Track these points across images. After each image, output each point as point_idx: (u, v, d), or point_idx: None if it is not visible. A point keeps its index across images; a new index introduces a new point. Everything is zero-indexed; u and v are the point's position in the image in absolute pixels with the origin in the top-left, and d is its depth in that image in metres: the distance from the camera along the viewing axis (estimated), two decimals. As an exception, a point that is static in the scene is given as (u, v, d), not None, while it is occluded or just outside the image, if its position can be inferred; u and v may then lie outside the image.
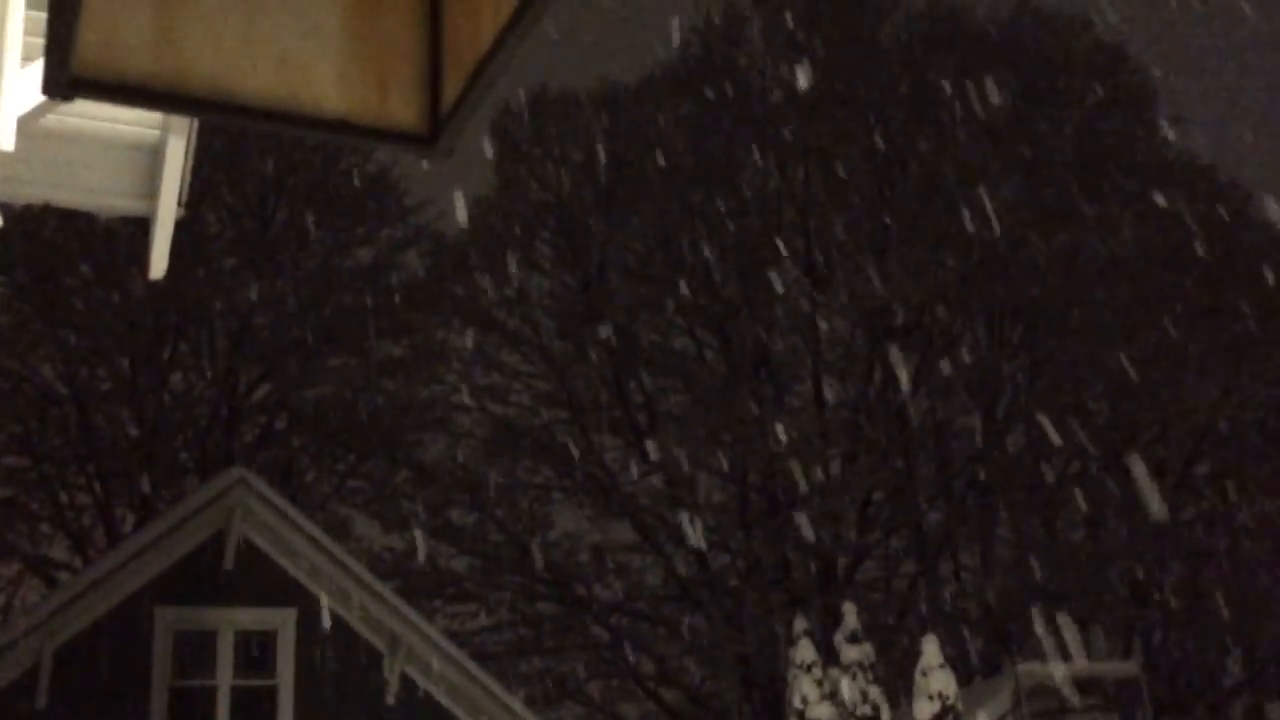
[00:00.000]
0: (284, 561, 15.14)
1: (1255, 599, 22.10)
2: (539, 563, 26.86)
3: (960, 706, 11.68)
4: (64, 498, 24.66)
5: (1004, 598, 23.71)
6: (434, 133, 2.46)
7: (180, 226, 6.16)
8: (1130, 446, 22.07)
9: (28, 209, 18.25)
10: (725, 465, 27.34)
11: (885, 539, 27.76)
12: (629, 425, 28.44)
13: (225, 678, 14.66)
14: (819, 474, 26.91)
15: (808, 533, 24.03)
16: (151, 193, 6.04)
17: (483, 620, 27.82)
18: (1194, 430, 22.62)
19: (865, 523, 27.33)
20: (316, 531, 15.46)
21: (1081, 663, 17.63)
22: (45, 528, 24.53)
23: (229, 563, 14.85)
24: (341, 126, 2.40)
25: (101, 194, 6.29)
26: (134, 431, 24.37)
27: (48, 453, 23.85)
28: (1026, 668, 15.69)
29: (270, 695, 14.80)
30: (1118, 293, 23.55)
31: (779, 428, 25.68)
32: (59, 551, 24.80)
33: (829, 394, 28.37)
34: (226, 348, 25.40)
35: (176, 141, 5.52)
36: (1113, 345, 22.12)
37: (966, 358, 26.09)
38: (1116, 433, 23.12)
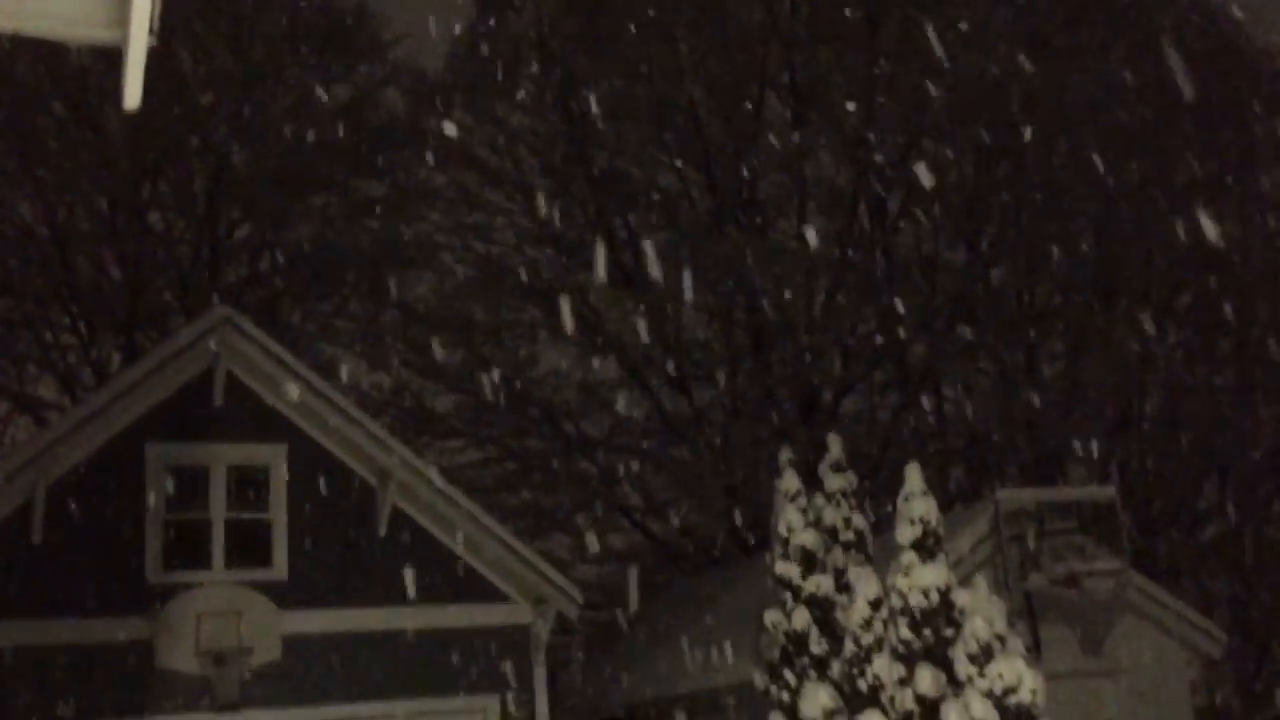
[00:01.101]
0: (272, 398, 15.26)
1: (1231, 426, 22.50)
2: (526, 400, 27.13)
3: (941, 531, 11.94)
4: (49, 337, 24.68)
5: (985, 427, 24.07)
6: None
7: (154, 63, 6.03)
8: (1114, 278, 22.17)
9: (-3, 47, 17.83)
10: (711, 301, 27.42)
11: (869, 372, 28.03)
12: (614, 263, 28.41)
13: (219, 512, 14.90)
14: (804, 309, 27.04)
15: (792, 366, 24.27)
16: (121, 20, 5.89)
17: (471, 456, 28.19)
18: (1179, 260, 22.69)
19: (849, 356, 27.55)
20: (303, 368, 15.54)
21: (1059, 488, 18.03)
22: (32, 368, 24.61)
23: (218, 399, 14.97)
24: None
25: (70, 22, 6.12)
26: (116, 272, 24.28)
27: (30, 292, 23.77)
28: (1005, 494, 16.02)
29: (264, 529, 15.07)
30: (1106, 125, 23.35)
31: (764, 264, 25.70)
32: (47, 391, 24.96)
33: (814, 230, 28.31)
34: (206, 187, 25.14)
35: (145, -35, 5.35)
36: (1100, 177, 22.03)
37: (952, 191, 25.98)
38: (1101, 264, 23.17)
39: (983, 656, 10.99)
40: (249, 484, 15.25)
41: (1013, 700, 10.85)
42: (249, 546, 14.94)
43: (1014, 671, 10.94)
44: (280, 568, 14.93)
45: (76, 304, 24.56)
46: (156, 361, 14.89)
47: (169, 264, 25.07)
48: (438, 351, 26.89)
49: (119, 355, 24.30)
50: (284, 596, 14.68)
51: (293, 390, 15.08)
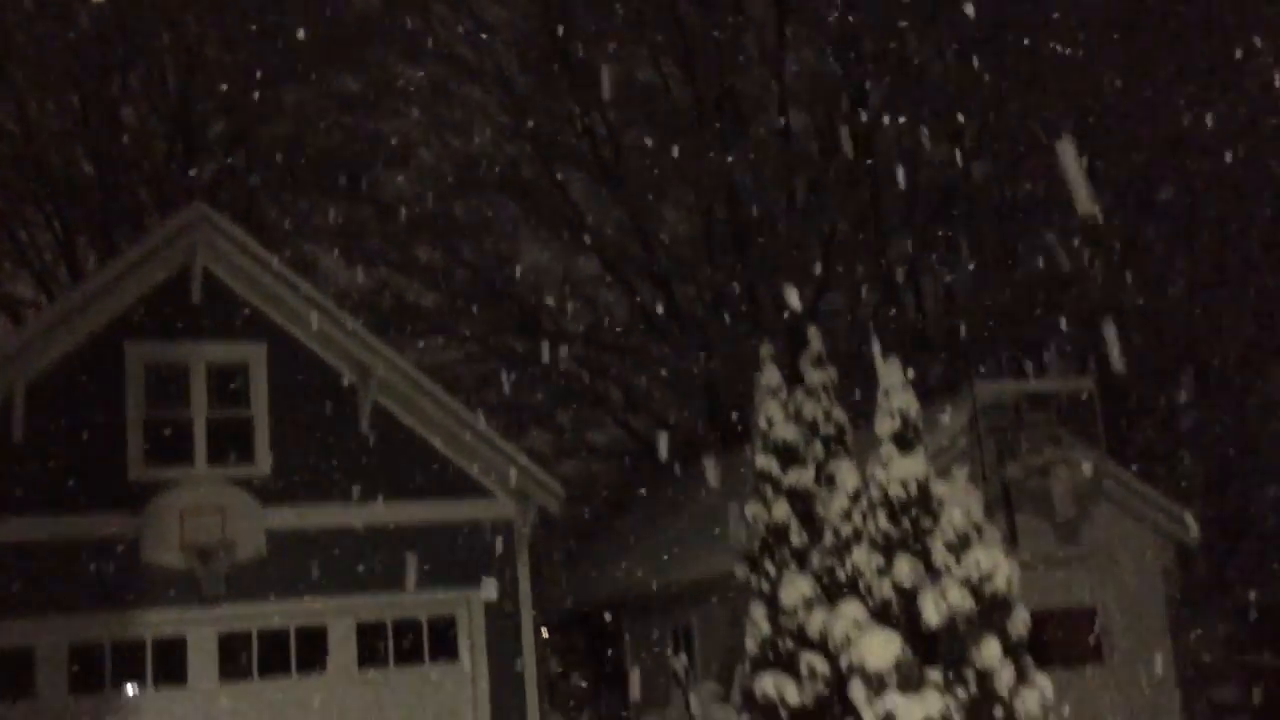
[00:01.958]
0: (251, 296, 15.18)
1: (1208, 319, 22.63)
2: (506, 297, 27.08)
3: (920, 424, 12.03)
4: (24, 236, 24.44)
5: (964, 321, 24.15)
6: None
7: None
8: (1096, 170, 22.08)
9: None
10: (691, 197, 27.28)
11: (850, 266, 28.01)
12: (594, 159, 28.18)
13: (200, 410, 14.90)
14: (784, 204, 26.94)
15: (773, 262, 24.21)
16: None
17: (452, 353, 28.20)
18: (1160, 147, 22.59)
19: (830, 251, 27.51)
20: (281, 266, 15.43)
21: (1036, 380, 18.15)
22: (8, 265, 24.40)
23: (196, 297, 14.88)
24: None
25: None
26: (89, 169, 23.96)
27: (3, 189, 23.46)
28: (983, 386, 16.13)
29: (246, 426, 15.09)
30: (1090, 15, 23.10)
31: (745, 159, 25.52)
32: (24, 289, 24.78)
33: (795, 124, 28.09)
34: (178, 81, 24.72)
35: None
36: (1083, 67, 21.83)
37: (935, 85, 25.75)
38: (1085, 154, 23.06)
39: (960, 546, 11.15)
40: (230, 382, 15.22)
41: (988, 587, 11.03)
42: (231, 444, 14.97)
43: (990, 560, 11.10)
44: (263, 464, 14.98)
45: (51, 202, 24.28)
46: (133, 259, 14.75)
47: (143, 160, 24.74)
48: (418, 249, 26.77)
49: (95, 254, 24.10)
50: (267, 493, 14.75)
51: (271, 289, 15.00)
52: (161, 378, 14.89)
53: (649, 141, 26.95)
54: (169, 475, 14.46)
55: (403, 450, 15.66)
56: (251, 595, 14.53)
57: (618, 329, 28.93)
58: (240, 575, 14.44)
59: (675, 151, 25.49)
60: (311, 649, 15.02)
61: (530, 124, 27.31)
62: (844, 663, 11.27)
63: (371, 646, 15.26)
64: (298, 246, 25.71)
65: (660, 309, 27.90)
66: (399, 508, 15.39)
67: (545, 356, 25.41)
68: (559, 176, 28.29)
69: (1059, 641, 15.51)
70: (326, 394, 15.43)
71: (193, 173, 24.75)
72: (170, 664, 14.35)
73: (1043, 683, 11.21)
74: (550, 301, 28.24)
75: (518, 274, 27.97)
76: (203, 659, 14.45)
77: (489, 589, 15.68)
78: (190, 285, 14.86)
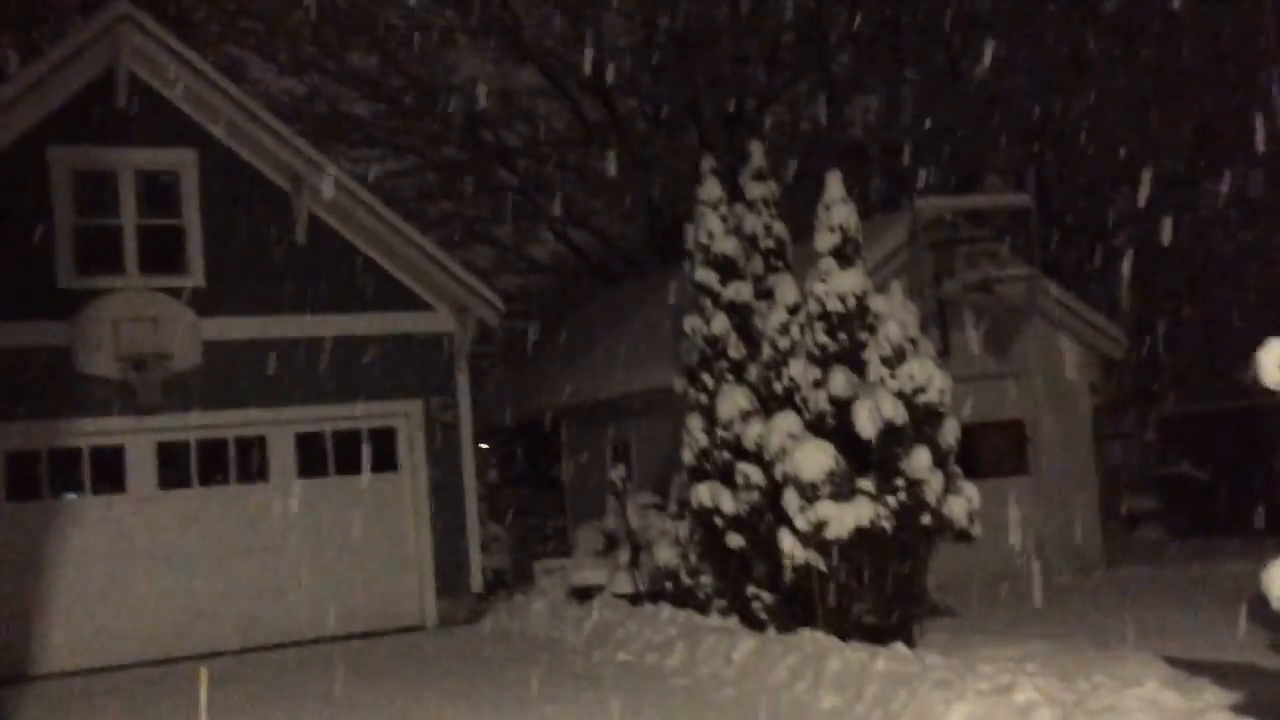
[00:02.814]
0: (178, 100, 14.76)
1: (1148, 134, 22.69)
2: (443, 107, 26.50)
3: (859, 238, 12.05)
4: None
5: (905, 136, 24.04)
6: None
7: None
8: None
9: None
10: (633, 6, 26.61)
11: (793, 81, 27.66)
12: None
13: (130, 218, 14.64)
14: (728, 14, 26.36)
15: (716, 73, 23.81)
16: None
17: (390, 166, 27.73)
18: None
19: (774, 65, 27.11)
20: (210, 70, 14.98)
21: (975, 197, 18.20)
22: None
23: (121, 101, 14.45)
24: None
25: None
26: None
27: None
28: (923, 202, 16.14)
29: (178, 236, 14.86)
30: None
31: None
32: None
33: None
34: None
35: None
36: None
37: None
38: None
39: (895, 359, 11.29)
40: (160, 190, 14.92)
41: (921, 399, 11.22)
42: (164, 253, 14.76)
43: (924, 372, 11.27)
44: (196, 274, 14.81)
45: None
46: (54, 61, 14.24)
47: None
48: (352, 56, 26.01)
49: (17, 56, 23.19)
50: (202, 303, 14.62)
51: (200, 93, 14.58)
52: (89, 185, 14.57)
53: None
54: (101, 284, 14.27)
55: (340, 262, 15.53)
56: (189, 406, 14.54)
57: (558, 142, 28.51)
58: (177, 386, 14.42)
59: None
60: (251, 459, 15.13)
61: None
62: (779, 473, 11.49)
63: (312, 457, 15.39)
64: (226, 50, 24.89)
65: (602, 122, 27.47)
66: (337, 320, 15.34)
67: (483, 169, 25.05)
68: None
69: (987, 452, 15.94)
70: (260, 204, 15.18)
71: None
72: (109, 472, 14.42)
73: (970, 491, 11.52)
74: (490, 112, 27.69)
75: (456, 85, 27.33)
76: (141, 468, 14.52)
77: (430, 400, 15.78)
78: (115, 89, 14.41)
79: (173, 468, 14.69)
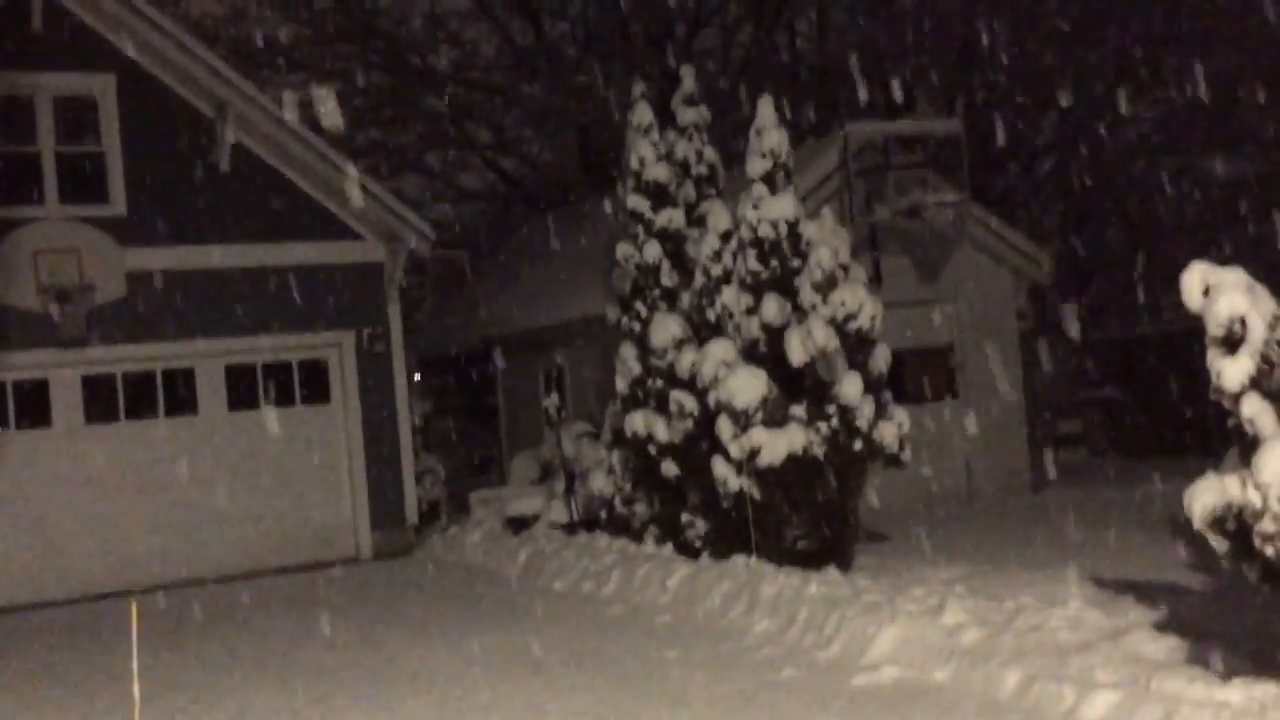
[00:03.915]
0: (95, 22, 14.34)
1: (1074, 60, 22.81)
2: (369, 31, 26.00)
3: (791, 165, 12.02)
4: None
5: (837, 62, 23.97)
6: None
7: None
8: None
9: None
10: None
11: (724, 4, 27.42)
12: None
13: (48, 145, 14.27)
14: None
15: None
16: None
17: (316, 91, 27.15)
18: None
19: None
20: (127, -9, 14.55)
21: (906, 122, 18.21)
22: None
23: (36, 23, 14.02)
24: None
25: None
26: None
27: None
28: (854, 127, 16.13)
29: (99, 164, 14.52)
30: None
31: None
32: None
33: None
34: None
35: None
36: None
37: None
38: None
39: (826, 286, 11.32)
40: (79, 116, 14.54)
41: (852, 325, 11.28)
42: (84, 182, 14.42)
43: (855, 299, 11.31)
44: (118, 203, 14.49)
45: None
46: (-38, -17, 13.76)
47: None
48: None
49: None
50: (125, 233, 14.32)
51: (118, 16, 14.17)
52: (5, 111, 14.15)
53: None
54: (19, 214, 13.93)
55: (266, 191, 15.26)
56: (114, 338, 14.29)
57: (487, 68, 28.11)
58: (102, 318, 14.14)
59: None
60: (180, 393, 14.92)
61: None
62: (712, 400, 11.53)
63: (242, 390, 15.22)
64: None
65: (531, 47, 27.10)
66: (265, 250, 15.10)
67: (413, 96, 24.63)
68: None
69: (918, 378, 16.11)
70: (183, 131, 14.85)
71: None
72: (33, 407, 14.17)
73: (900, 417, 11.64)
74: (416, 35, 27.20)
75: (381, 8, 26.80)
76: (66, 402, 14.28)
77: (361, 331, 15.64)
78: (30, 12, 13.96)
79: (99, 402, 14.46)
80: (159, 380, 14.79)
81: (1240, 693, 6.32)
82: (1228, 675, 6.59)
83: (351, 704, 8.28)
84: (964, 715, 6.99)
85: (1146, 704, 6.46)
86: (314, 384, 15.62)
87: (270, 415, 15.09)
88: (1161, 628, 7.74)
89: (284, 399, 15.40)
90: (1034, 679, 7.17)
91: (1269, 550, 6.09)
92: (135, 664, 5.23)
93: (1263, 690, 6.29)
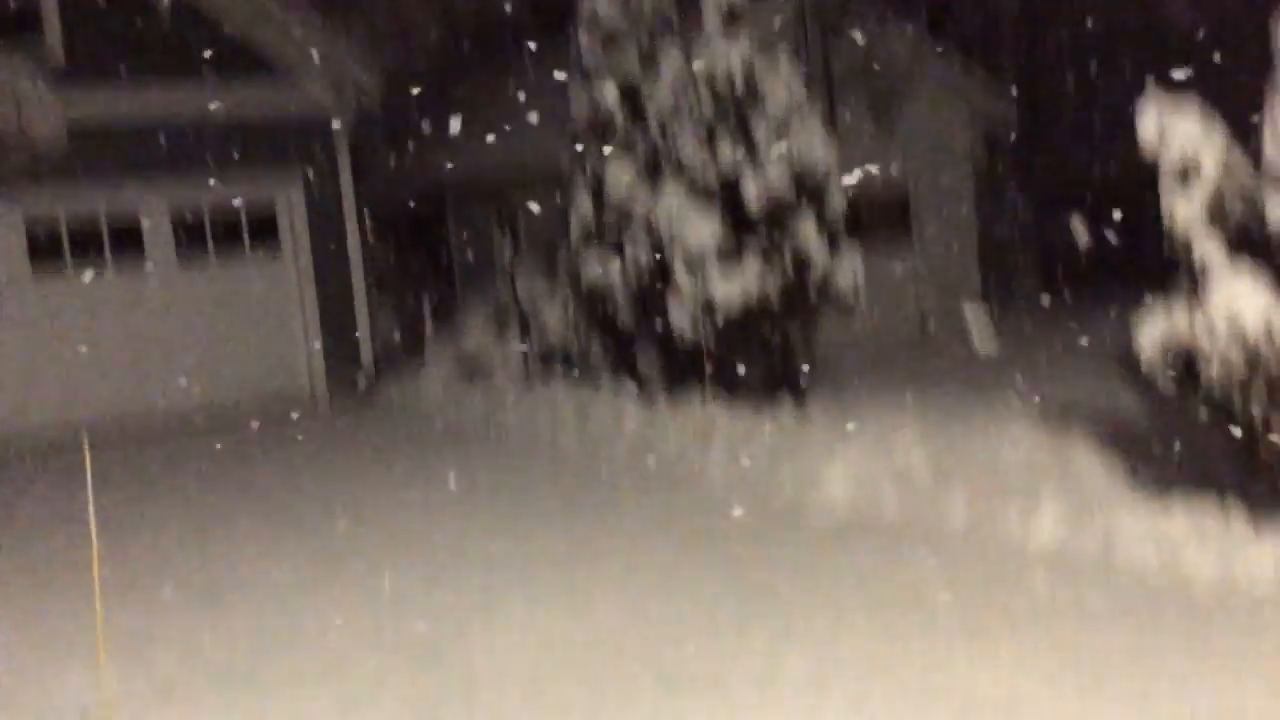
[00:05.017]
0: None
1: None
2: None
3: (746, 5, 11.79)
4: None
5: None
6: None
7: None
8: None
9: None
10: None
11: None
12: None
13: (-23, -12, 13.73)
14: None
15: None
16: None
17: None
18: None
19: None
20: None
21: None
22: None
23: None
24: None
25: None
26: None
27: None
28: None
29: (32, 4, 14.01)
30: None
31: None
32: None
33: None
34: None
35: None
36: None
37: None
38: None
39: (781, 129, 11.21)
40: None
41: (807, 170, 11.20)
42: (17, 24, 13.92)
43: (810, 141, 11.23)
44: (55, 46, 14.04)
45: None
46: None
47: None
48: None
49: None
50: (62, 78, 13.89)
51: None
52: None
53: None
54: (-49, 60, 13.47)
55: (210, 33, 14.81)
56: (55, 186, 13.98)
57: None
58: (41, 165, 13.81)
59: None
60: (126, 243, 14.69)
61: None
62: (667, 242, 11.50)
63: (190, 240, 14.99)
64: None
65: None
66: (208, 95, 14.72)
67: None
68: None
69: (872, 220, 16.10)
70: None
71: None
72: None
73: (854, 263, 11.66)
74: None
75: None
76: (9, 253, 14.04)
77: (310, 179, 15.41)
78: None
79: (43, 253, 14.21)
80: (104, 230, 14.52)
81: (1180, 521, 6.51)
82: (1166, 500, 6.79)
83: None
84: (913, 546, 7.15)
85: (1090, 531, 6.64)
86: (264, 234, 15.41)
87: (219, 266, 14.89)
88: (1104, 441, 8.01)
89: (234, 249, 15.21)
90: (982, 510, 7.34)
91: (1213, 373, 6.25)
92: (91, 509, 5.27)
93: (1199, 517, 6.49)
